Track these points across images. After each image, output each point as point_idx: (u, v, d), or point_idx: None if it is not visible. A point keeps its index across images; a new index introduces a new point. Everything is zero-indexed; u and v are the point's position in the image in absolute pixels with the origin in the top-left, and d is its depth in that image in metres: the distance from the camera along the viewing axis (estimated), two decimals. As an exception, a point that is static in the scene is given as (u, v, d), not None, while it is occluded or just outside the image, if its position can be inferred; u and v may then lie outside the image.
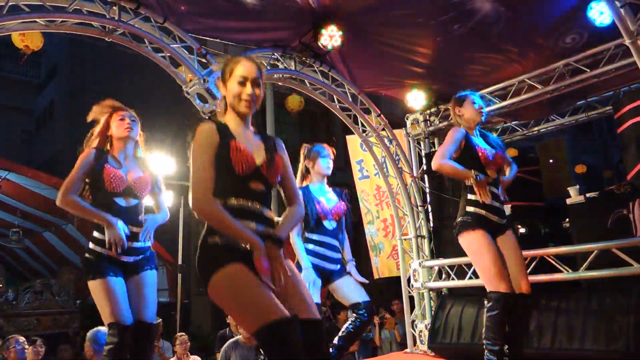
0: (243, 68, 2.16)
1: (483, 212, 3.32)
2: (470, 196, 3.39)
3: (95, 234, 2.92)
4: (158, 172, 3.29)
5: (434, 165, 3.38)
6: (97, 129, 3.14)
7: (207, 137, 2.09)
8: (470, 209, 3.36)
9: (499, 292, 3.12)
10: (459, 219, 3.40)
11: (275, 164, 2.18)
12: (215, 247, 2.02)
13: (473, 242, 3.28)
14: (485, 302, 3.22)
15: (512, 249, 3.34)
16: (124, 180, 2.93)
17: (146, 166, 3.15)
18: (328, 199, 3.86)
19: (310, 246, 3.71)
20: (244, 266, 1.96)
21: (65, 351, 7.49)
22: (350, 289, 3.76)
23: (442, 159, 3.36)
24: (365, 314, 3.66)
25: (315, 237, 3.74)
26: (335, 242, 3.83)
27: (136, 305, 2.90)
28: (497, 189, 3.43)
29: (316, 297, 3.55)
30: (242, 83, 2.14)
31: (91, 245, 2.93)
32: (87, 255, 2.94)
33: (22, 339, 5.19)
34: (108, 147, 3.09)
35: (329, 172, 3.92)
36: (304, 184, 3.96)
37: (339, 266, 3.82)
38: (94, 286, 2.83)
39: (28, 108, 18.88)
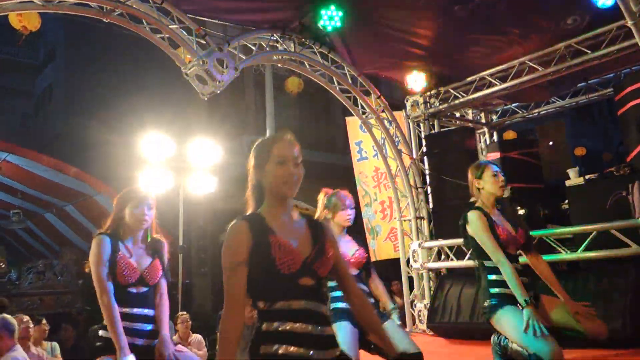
0: (281, 147, 1.91)
1: (508, 290, 3.04)
2: (491, 276, 3.11)
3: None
4: (165, 253, 3.02)
5: (496, 261, 3.09)
6: (112, 213, 2.92)
7: (238, 237, 1.84)
8: (494, 290, 3.09)
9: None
10: (485, 304, 3.11)
11: (325, 255, 1.93)
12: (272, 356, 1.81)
13: (509, 319, 2.99)
14: (527, 354, 2.90)
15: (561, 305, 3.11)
16: (136, 270, 2.78)
17: (155, 249, 2.94)
18: (347, 249, 3.56)
19: (337, 293, 3.34)
20: None
21: (67, 330, 7.57)
22: (395, 336, 3.38)
23: (503, 257, 3.05)
24: None
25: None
26: (364, 287, 3.51)
27: None
28: (518, 264, 3.15)
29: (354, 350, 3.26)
30: (282, 163, 1.89)
31: (102, 332, 2.75)
32: (97, 343, 2.75)
33: (26, 317, 5.24)
34: (120, 232, 2.87)
35: (350, 223, 3.63)
36: None
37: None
38: None
39: (27, 90, 18.80)
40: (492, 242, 3.13)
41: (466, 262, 5.24)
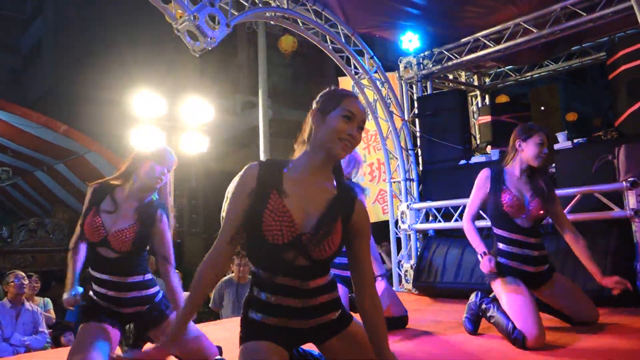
0: (353, 103, 1.75)
1: (514, 263, 3.11)
2: (500, 245, 3.18)
3: (94, 286, 2.56)
4: (159, 223, 2.62)
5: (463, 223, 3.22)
6: (127, 162, 2.64)
7: (243, 182, 1.71)
8: (501, 259, 3.14)
9: (525, 339, 2.83)
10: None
11: (328, 239, 1.73)
12: (252, 322, 1.79)
13: (507, 291, 3.04)
14: (512, 327, 2.94)
15: (564, 290, 3.22)
16: (102, 231, 2.49)
17: (148, 215, 2.58)
18: None
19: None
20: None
21: (59, 288, 7.68)
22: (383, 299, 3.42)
23: (466, 220, 3.18)
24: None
25: None
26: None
27: (193, 351, 2.54)
28: (533, 237, 3.15)
29: None
30: (348, 118, 1.71)
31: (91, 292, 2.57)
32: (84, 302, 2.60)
33: (21, 274, 5.32)
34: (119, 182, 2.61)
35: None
36: None
37: None
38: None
39: (14, 45, 18.41)
40: (470, 201, 3.23)
41: (453, 224, 5.33)
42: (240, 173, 1.74)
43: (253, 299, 1.78)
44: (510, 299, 3.00)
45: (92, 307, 2.52)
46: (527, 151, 3.15)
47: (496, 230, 3.22)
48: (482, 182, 3.22)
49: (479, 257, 3.13)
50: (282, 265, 1.70)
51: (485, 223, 4.94)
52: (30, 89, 16.67)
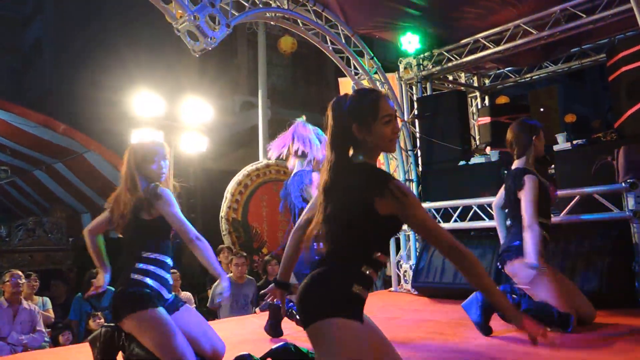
0: (385, 104, 2.00)
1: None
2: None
3: (141, 265, 2.68)
4: None
5: (529, 221, 3.16)
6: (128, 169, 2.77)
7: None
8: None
9: (571, 316, 2.97)
10: (514, 243, 3.25)
11: None
12: (355, 297, 1.90)
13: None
14: (557, 312, 3.04)
15: (559, 280, 3.29)
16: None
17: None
18: None
19: None
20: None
21: (58, 287, 7.66)
22: None
23: (534, 223, 3.16)
24: None
25: None
26: None
27: (203, 337, 2.71)
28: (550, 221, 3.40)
29: None
30: (389, 121, 2.00)
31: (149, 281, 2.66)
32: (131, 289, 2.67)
33: (18, 273, 5.31)
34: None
35: None
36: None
37: None
38: (144, 317, 2.54)
39: (14, 45, 18.37)
40: (533, 204, 3.19)
41: (452, 225, 5.33)
42: (403, 183, 1.97)
43: (360, 274, 1.92)
44: (553, 283, 3.11)
45: (156, 295, 2.65)
46: (538, 146, 3.39)
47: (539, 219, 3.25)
48: (538, 186, 3.26)
49: (533, 263, 3.05)
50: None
51: (488, 224, 4.96)
52: (30, 88, 16.65)
